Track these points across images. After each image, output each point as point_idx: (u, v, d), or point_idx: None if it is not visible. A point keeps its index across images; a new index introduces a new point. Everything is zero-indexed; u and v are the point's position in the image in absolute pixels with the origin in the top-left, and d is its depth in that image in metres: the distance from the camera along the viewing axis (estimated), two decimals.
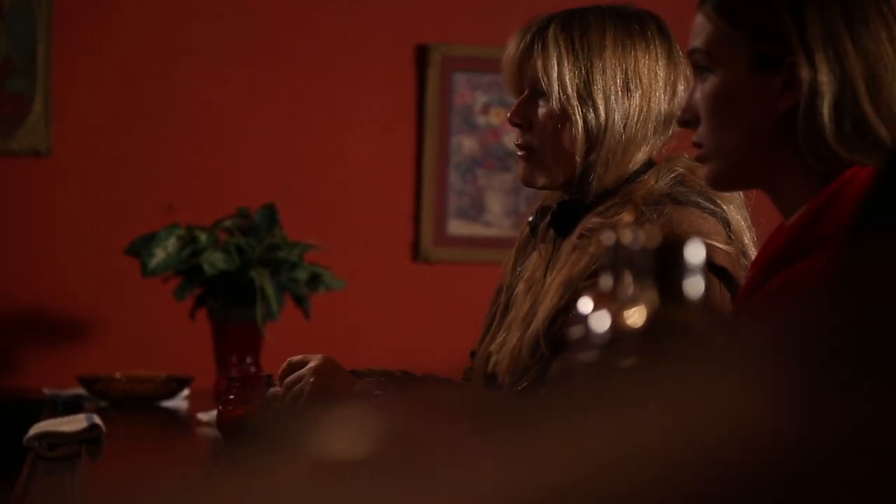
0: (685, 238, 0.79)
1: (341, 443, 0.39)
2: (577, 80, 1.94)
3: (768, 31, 1.48)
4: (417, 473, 0.36)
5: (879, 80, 1.47)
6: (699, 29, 1.54)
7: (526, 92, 1.98)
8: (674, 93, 1.98)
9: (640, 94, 1.94)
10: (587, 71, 1.94)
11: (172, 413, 3.05)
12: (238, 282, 3.39)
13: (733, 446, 0.33)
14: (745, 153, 1.51)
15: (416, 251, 4.12)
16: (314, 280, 3.51)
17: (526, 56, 1.98)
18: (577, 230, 1.91)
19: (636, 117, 1.94)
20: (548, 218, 2.00)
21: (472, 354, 2.17)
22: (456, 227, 4.14)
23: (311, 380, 1.97)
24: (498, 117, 4.15)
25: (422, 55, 4.11)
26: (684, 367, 0.38)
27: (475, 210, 4.15)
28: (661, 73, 1.96)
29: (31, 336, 3.90)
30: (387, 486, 0.36)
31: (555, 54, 1.95)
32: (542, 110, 1.96)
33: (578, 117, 1.93)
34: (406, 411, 0.40)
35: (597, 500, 0.32)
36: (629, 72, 1.95)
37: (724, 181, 1.57)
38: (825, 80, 1.45)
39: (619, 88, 1.94)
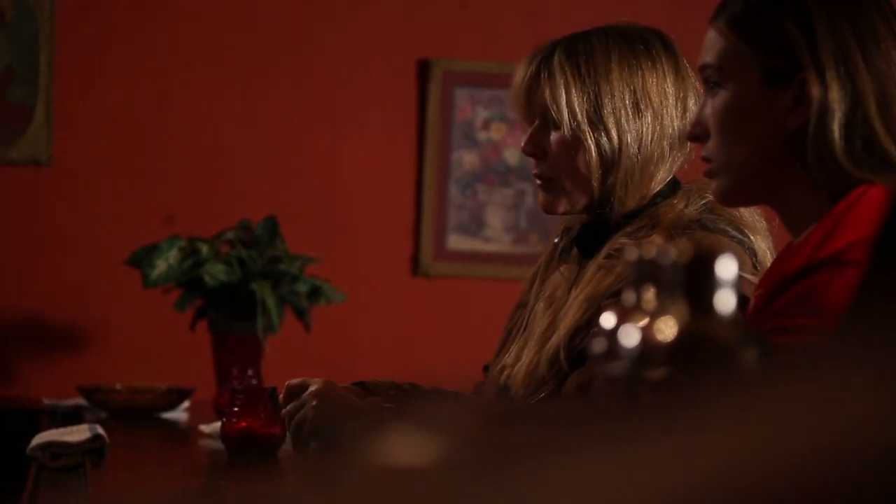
0: (717, 253, 0.79)
1: (412, 450, 0.39)
2: (586, 106, 1.94)
3: (780, 48, 1.48)
4: (492, 479, 0.36)
5: (890, 98, 1.48)
6: (711, 44, 1.54)
7: (537, 121, 1.98)
8: (685, 108, 1.98)
9: (651, 114, 1.94)
10: (595, 95, 1.94)
11: (173, 424, 3.05)
12: (239, 294, 3.39)
13: (854, 448, 0.33)
14: (755, 168, 1.52)
15: (415, 265, 4.12)
16: (315, 293, 3.51)
17: (533, 85, 1.97)
18: (605, 250, 1.91)
19: (650, 137, 1.94)
20: (572, 237, 2.00)
21: (486, 369, 2.17)
22: (456, 241, 4.14)
23: (314, 404, 1.97)
24: (499, 133, 4.15)
25: (423, 70, 4.12)
26: (769, 381, 0.39)
27: (475, 225, 4.15)
28: (671, 90, 1.96)
29: (30, 346, 3.89)
30: (459, 491, 0.36)
31: (562, 82, 1.95)
32: (554, 138, 1.96)
33: (591, 143, 1.93)
34: (474, 420, 0.40)
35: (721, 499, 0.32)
36: (638, 92, 1.94)
37: (732, 196, 1.58)
38: (836, 97, 1.46)
39: (629, 110, 1.94)
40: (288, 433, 2.07)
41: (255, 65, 4.03)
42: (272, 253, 3.46)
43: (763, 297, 1.50)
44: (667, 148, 1.95)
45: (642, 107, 1.94)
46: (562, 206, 1.99)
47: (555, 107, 1.95)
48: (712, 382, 0.41)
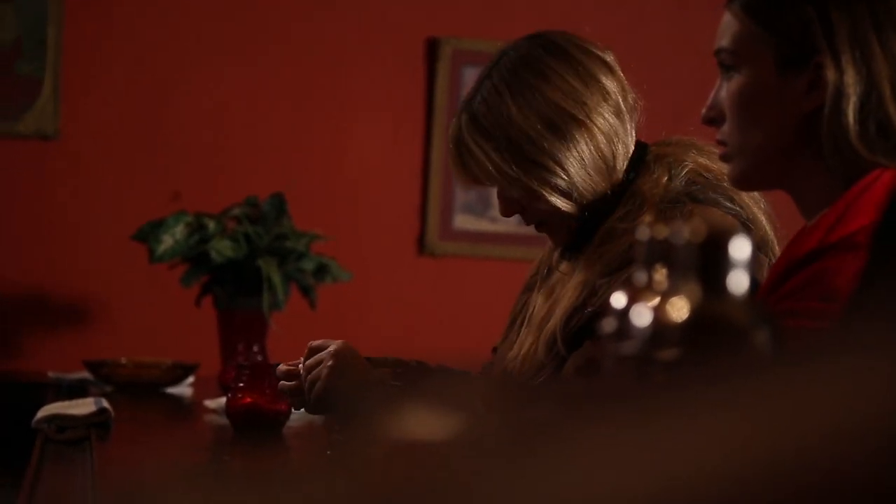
0: (730, 233, 0.79)
1: (431, 426, 0.39)
2: (513, 161, 1.87)
3: (795, 32, 1.48)
4: (524, 457, 0.36)
5: None
6: (726, 28, 1.54)
7: (497, 191, 1.94)
8: (601, 91, 1.90)
9: (574, 124, 1.87)
10: (514, 145, 1.86)
11: (177, 399, 3.05)
12: (245, 270, 3.39)
13: (861, 431, 0.33)
14: (769, 153, 1.51)
15: (421, 245, 4.12)
16: (321, 270, 3.52)
17: (466, 168, 1.91)
18: (597, 237, 1.88)
19: (587, 144, 1.88)
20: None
21: (495, 350, 2.17)
22: (462, 221, 4.14)
23: (329, 363, 1.97)
24: None
25: (432, 49, 4.11)
26: (782, 364, 0.38)
27: (481, 205, 4.15)
28: (577, 86, 1.88)
29: (36, 320, 3.90)
30: (493, 469, 0.36)
31: (479, 152, 1.88)
32: (518, 202, 1.92)
33: (540, 187, 1.88)
34: (491, 397, 0.40)
35: (729, 485, 0.32)
36: (547, 114, 1.87)
37: (747, 180, 1.57)
38: (851, 81, 1.45)
39: (551, 137, 1.86)
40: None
41: (263, 41, 4.02)
42: (279, 230, 3.46)
43: (774, 278, 1.50)
44: (608, 139, 1.89)
45: (560, 124, 1.87)
46: (563, 238, 1.95)
47: (490, 177, 1.89)
48: (722, 364, 0.41)
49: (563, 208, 1.88)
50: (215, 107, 3.99)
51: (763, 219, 1.88)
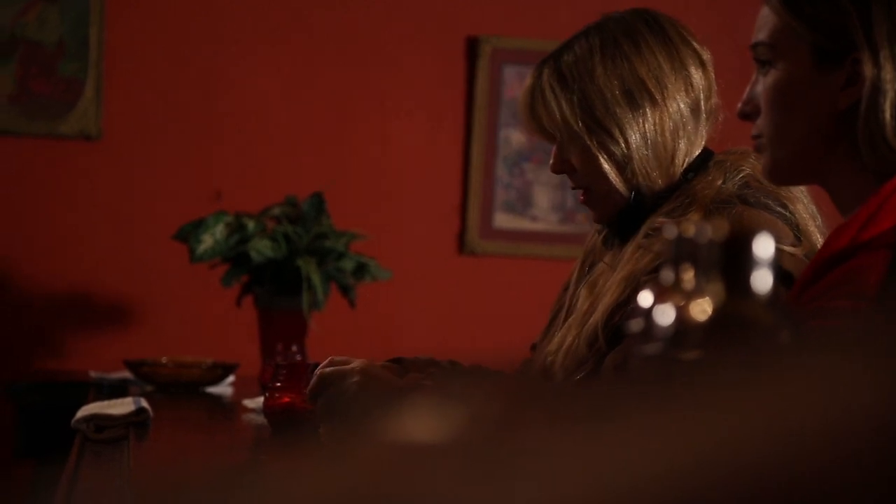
0: (754, 231, 0.78)
1: (425, 428, 0.39)
2: (580, 116, 1.91)
3: (834, 26, 1.47)
4: (507, 458, 0.35)
5: None
6: (763, 22, 1.53)
7: (557, 140, 1.97)
8: (686, 79, 1.93)
9: (647, 99, 1.91)
10: (587, 101, 1.91)
11: (217, 399, 3.07)
12: (285, 270, 3.40)
13: (862, 429, 0.32)
14: (804, 147, 1.51)
15: (461, 243, 4.12)
16: (360, 269, 3.52)
17: (533, 109, 1.96)
18: (643, 230, 1.89)
19: (653, 124, 1.90)
20: (613, 225, 1.99)
21: (534, 348, 2.17)
22: (502, 220, 4.13)
23: (356, 379, 1.96)
24: None
25: (472, 47, 4.11)
26: (797, 359, 0.38)
27: (522, 204, 4.14)
28: (665, 68, 1.92)
29: (78, 319, 3.93)
30: (475, 468, 0.35)
31: (552, 99, 1.93)
32: (571, 155, 1.95)
33: (596, 149, 1.91)
34: (489, 398, 0.40)
35: (721, 478, 0.31)
36: (627, 83, 1.91)
37: (781, 173, 1.56)
38: (889, 77, 1.44)
39: (623, 104, 1.90)
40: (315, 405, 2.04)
41: (303, 41, 4.03)
42: (318, 229, 3.46)
43: (807, 276, 1.48)
44: (675, 126, 1.92)
45: (636, 96, 1.91)
46: (607, 214, 1.97)
47: (553, 125, 1.94)
48: (739, 363, 0.41)
49: (612, 178, 1.91)
50: (255, 107, 4.00)
51: (814, 231, 1.87)
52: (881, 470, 0.33)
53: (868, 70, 1.44)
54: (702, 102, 1.94)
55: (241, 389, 3.10)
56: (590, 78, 1.91)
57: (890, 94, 1.44)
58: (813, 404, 0.35)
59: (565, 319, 2.00)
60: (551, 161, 1.98)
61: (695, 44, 1.96)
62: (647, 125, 1.91)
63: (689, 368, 0.77)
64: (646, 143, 1.90)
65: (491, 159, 4.12)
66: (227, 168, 3.99)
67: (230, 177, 3.97)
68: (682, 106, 1.92)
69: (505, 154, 4.13)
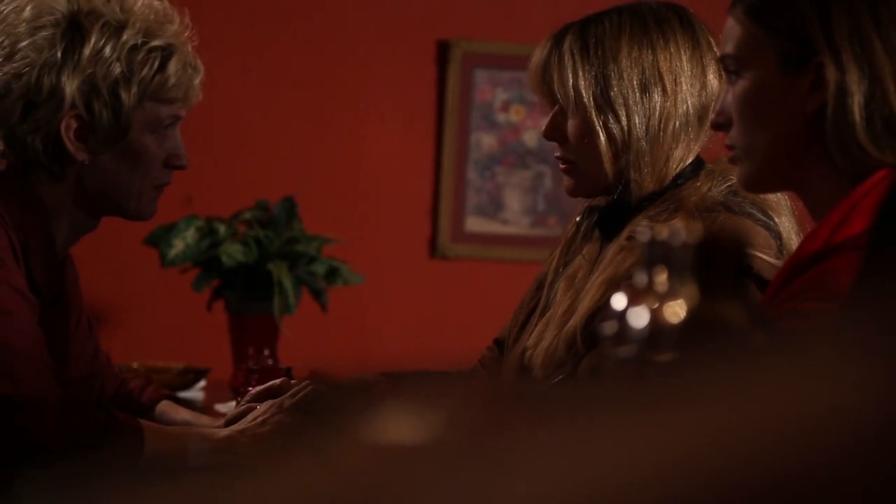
0: (727, 234, 0.79)
1: (405, 428, 0.39)
2: (593, 89, 1.92)
3: (795, 32, 1.48)
4: (485, 459, 0.35)
5: None
6: (729, 33, 1.54)
7: (557, 106, 1.97)
8: (703, 85, 1.94)
9: (660, 93, 1.91)
10: (603, 77, 1.92)
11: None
12: (256, 274, 3.40)
13: (829, 432, 0.33)
14: (777, 154, 1.51)
15: (433, 247, 4.12)
16: (332, 274, 3.52)
17: (546, 69, 1.97)
18: (626, 232, 1.90)
19: (659, 117, 1.91)
20: (594, 219, 1.99)
21: (496, 341, 2.17)
22: (474, 223, 4.14)
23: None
24: (518, 115, 4.15)
25: (443, 51, 4.11)
26: (769, 356, 0.38)
27: (493, 207, 4.14)
28: (686, 67, 1.93)
29: None
30: (455, 471, 0.36)
31: (570, 66, 1.93)
32: (570, 124, 1.96)
33: (599, 127, 1.91)
34: (470, 398, 0.40)
35: (692, 482, 0.31)
36: (647, 71, 1.92)
37: (756, 183, 1.57)
38: (854, 79, 1.45)
39: (637, 91, 1.91)
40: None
41: (274, 45, 4.03)
42: (290, 234, 3.46)
43: (780, 279, 1.49)
44: (681, 127, 1.93)
45: (650, 86, 1.92)
46: (583, 190, 1.98)
47: (562, 91, 1.94)
48: (713, 364, 0.41)
49: (604, 160, 1.91)
50: (226, 111, 4.00)
51: (793, 234, 1.87)
52: (856, 469, 0.33)
53: (832, 73, 1.45)
54: (710, 110, 1.94)
55: (213, 394, 3.09)
56: (613, 56, 1.92)
57: (857, 96, 1.45)
58: (787, 405, 0.35)
59: (542, 314, 2.00)
60: (545, 127, 1.99)
61: (718, 51, 1.97)
62: (653, 118, 1.92)
63: (663, 370, 0.77)
64: (647, 134, 1.91)
65: (462, 163, 4.12)
66: (198, 172, 3.97)
67: (201, 181, 3.97)
68: (690, 109, 1.93)
69: (476, 157, 4.14)
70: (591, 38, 1.94)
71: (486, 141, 4.14)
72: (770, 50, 1.49)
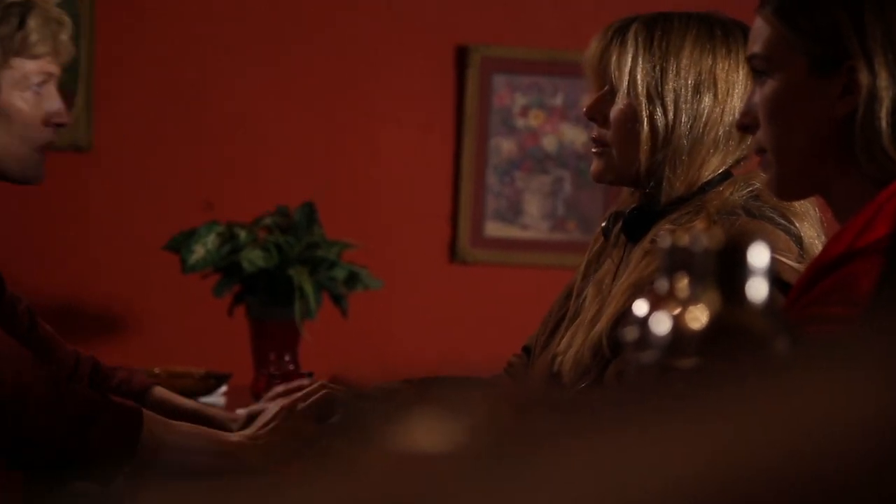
0: (749, 240, 0.79)
1: (432, 436, 0.39)
2: (648, 79, 1.94)
3: (827, 35, 1.47)
4: (515, 467, 0.36)
5: None
6: (758, 33, 1.54)
7: (606, 87, 1.99)
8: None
9: (711, 97, 1.94)
10: (661, 70, 1.94)
11: None
12: (276, 280, 3.41)
13: (861, 439, 0.33)
14: (805, 158, 1.51)
15: (453, 252, 4.12)
16: (352, 279, 3.52)
17: (605, 52, 1.99)
18: (649, 236, 1.90)
19: (705, 120, 1.93)
20: (620, 224, 2.00)
21: (525, 349, 2.18)
22: (493, 228, 4.14)
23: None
24: (537, 120, 4.15)
25: (462, 56, 4.12)
26: (790, 367, 0.39)
27: (512, 212, 4.15)
28: (741, 81, 1.95)
29: (70, 330, 3.92)
30: (482, 479, 0.36)
31: (631, 51, 1.96)
32: (615, 107, 1.97)
33: (645, 115, 1.93)
34: (498, 406, 0.41)
35: (721, 491, 0.32)
36: (703, 74, 1.94)
37: (786, 188, 1.56)
38: (884, 85, 1.44)
39: (690, 90, 1.94)
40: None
41: (292, 51, 4.04)
42: (310, 239, 3.47)
43: (803, 282, 1.49)
44: (722, 135, 1.94)
45: (703, 89, 1.94)
46: (608, 176, 1.99)
47: (617, 73, 1.96)
48: (733, 371, 0.41)
49: (642, 149, 1.93)
50: (246, 116, 4.01)
51: (818, 248, 1.87)
52: (881, 479, 0.33)
53: (864, 78, 1.44)
54: None
55: (234, 399, 3.10)
56: (675, 52, 1.95)
57: (886, 102, 1.44)
58: (810, 413, 0.35)
59: (571, 321, 2.01)
60: (588, 105, 2.00)
61: None
62: (699, 119, 1.94)
63: (685, 377, 0.78)
64: (689, 133, 1.93)
65: (481, 168, 4.13)
66: (218, 178, 3.99)
67: (221, 187, 3.98)
68: (734, 119, 1.95)
69: (495, 163, 4.14)
70: (657, 31, 1.96)
71: (505, 146, 4.15)
72: (799, 51, 1.49)
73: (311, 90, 4.05)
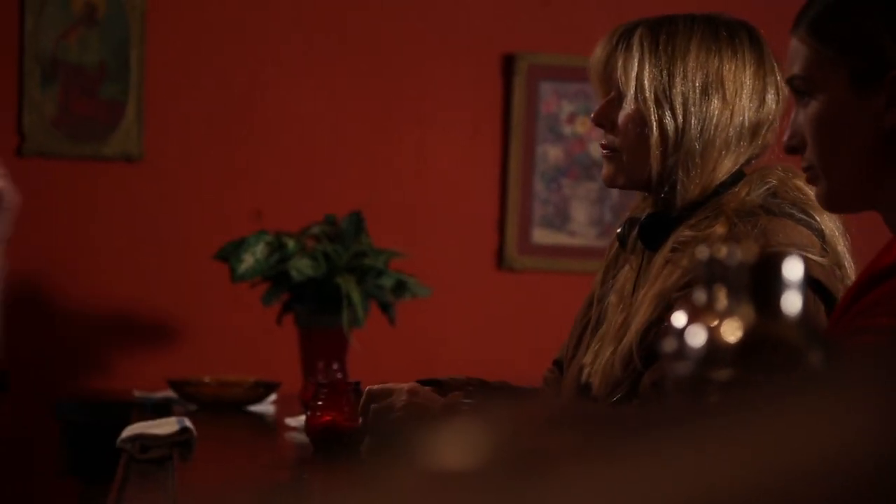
0: (783, 253, 0.80)
1: (459, 454, 0.40)
2: (655, 83, 1.93)
3: (866, 48, 1.45)
4: (539, 484, 0.37)
5: None
6: (795, 55, 1.51)
7: (613, 93, 1.98)
8: (761, 102, 1.95)
9: (719, 99, 1.93)
10: (668, 74, 1.93)
11: (260, 417, 3.09)
12: (325, 288, 3.42)
13: (856, 463, 0.34)
14: (856, 173, 1.48)
15: (500, 259, 4.13)
16: (399, 287, 3.54)
17: (610, 57, 1.98)
18: (669, 243, 1.89)
19: (715, 123, 1.92)
20: (636, 230, 1.99)
21: (556, 362, 2.18)
22: (540, 235, 4.14)
23: (404, 398, 1.97)
24: (584, 126, 4.15)
25: (508, 64, 4.12)
26: (806, 385, 0.39)
27: (560, 219, 4.15)
28: (748, 81, 1.94)
29: (121, 339, 3.96)
30: (507, 495, 0.37)
31: (637, 56, 1.95)
32: (623, 112, 1.96)
33: (654, 120, 1.92)
34: (522, 423, 0.42)
35: None
36: (710, 76, 1.93)
37: (837, 202, 1.54)
38: None
39: (698, 93, 1.93)
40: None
41: (342, 61, 4.06)
42: (357, 247, 3.49)
43: (853, 291, 1.47)
44: (733, 137, 1.93)
45: (711, 91, 1.93)
46: (620, 181, 1.98)
47: (624, 78, 1.95)
48: (771, 385, 0.42)
49: (652, 150, 1.92)
50: (294, 126, 4.04)
51: (840, 241, 1.86)
52: None
53: None
54: (763, 128, 1.95)
55: (283, 408, 3.12)
56: (681, 56, 1.94)
57: None
58: (848, 428, 0.36)
59: (595, 330, 2.00)
60: (595, 111, 2.00)
61: (779, 76, 1.98)
62: (709, 122, 1.93)
63: (720, 390, 0.78)
64: (700, 136, 1.92)
65: (528, 175, 4.13)
66: (267, 188, 4.02)
67: (270, 196, 4.01)
68: (746, 122, 1.94)
69: (542, 169, 4.14)
70: (662, 34, 1.96)
71: (552, 153, 4.15)
72: (839, 67, 1.46)
73: (359, 100, 4.07)
